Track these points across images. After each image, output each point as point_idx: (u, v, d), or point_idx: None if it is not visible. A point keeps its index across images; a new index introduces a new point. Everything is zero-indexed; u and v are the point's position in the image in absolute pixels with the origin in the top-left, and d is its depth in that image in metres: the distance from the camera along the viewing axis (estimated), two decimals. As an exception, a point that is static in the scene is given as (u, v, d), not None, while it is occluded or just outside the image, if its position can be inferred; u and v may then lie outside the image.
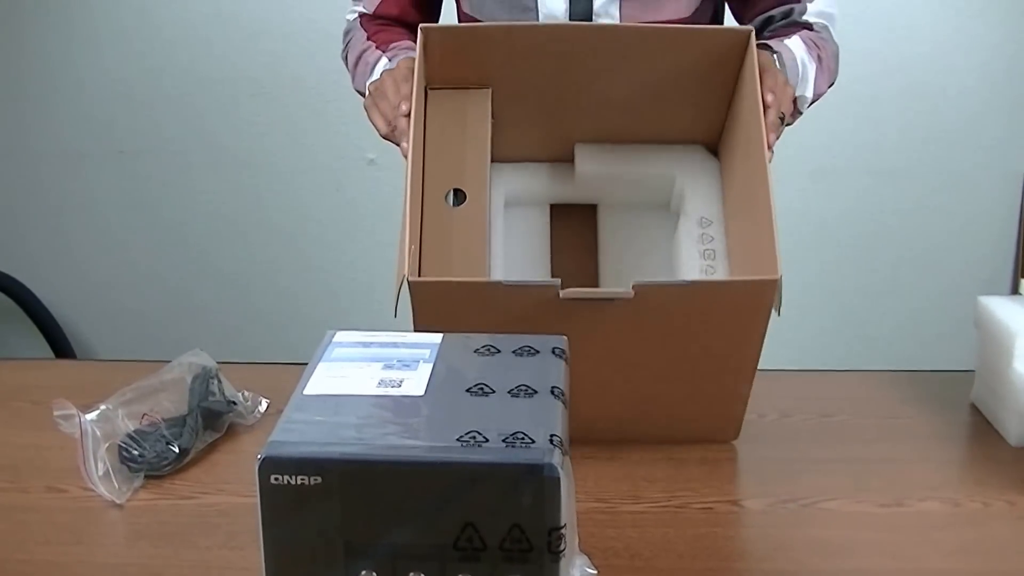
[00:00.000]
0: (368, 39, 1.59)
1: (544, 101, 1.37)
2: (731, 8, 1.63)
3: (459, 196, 1.30)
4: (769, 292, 1.14)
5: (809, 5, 1.57)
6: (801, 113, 1.49)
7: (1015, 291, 1.42)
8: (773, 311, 1.16)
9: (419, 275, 1.18)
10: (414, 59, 1.35)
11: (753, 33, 1.30)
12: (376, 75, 1.49)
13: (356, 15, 1.66)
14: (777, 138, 1.35)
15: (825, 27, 1.58)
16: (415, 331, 1.14)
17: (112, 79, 2.86)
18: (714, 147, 1.42)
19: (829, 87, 1.55)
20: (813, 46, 1.51)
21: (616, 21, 1.52)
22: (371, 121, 1.41)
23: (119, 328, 3.03)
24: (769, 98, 1.28)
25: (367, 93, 1.44)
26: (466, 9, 1.59)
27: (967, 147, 2.81)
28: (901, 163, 2.83)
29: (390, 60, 1.50)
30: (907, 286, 2.90)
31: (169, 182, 2.93)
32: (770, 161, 1.24)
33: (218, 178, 2.92)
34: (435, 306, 1.13)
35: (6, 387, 1.47)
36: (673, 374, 1.22)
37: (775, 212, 1.18)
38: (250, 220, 2.94)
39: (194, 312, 3.00)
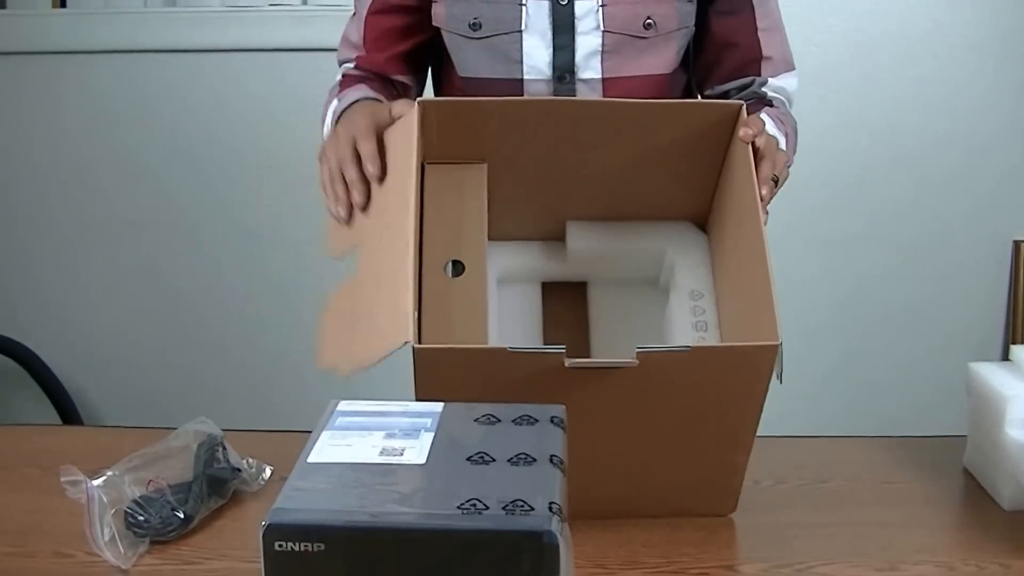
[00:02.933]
0: (338, 94, 1.59)
1: (538, 176, 1.38)
2: (690, 77, 1.68)
3: (457, 267, 1.30)
4: (769, 357, 1.15)
5: (771, 80, 1.64)
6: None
7: (1006, 357, 1.43)
8: (774, 377, 1.18)
9: (419, 342, 1.17)
10: (375, 118, 1.34)
11: (744, 107, 1.32)
12: (329, 118, 1.51)
13: (340, 76, 1.67)
14: (768, 201, 1.38)
15: (783, 102, 1.65)
16: (416, 399, 1.14)
17: (122, 149, 2.90)
18: (702, 223, 1.44)
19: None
20: (779, 122, 1.56)
21: (598, 75, 1.57)
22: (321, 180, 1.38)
23: (126, 395, 3.04)
24: (765, 191, 1.28)
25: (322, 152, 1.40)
26: (459, 71, 1.63)
27: (958, 213, 2.83)
28: (892, 230, 2.85)
29: (339, 101, 1.52)
30: (899, 352, 2.91)
31: (176, 252, 2.95)
32: (765, 223, 1.25)
33: (225, 248, 2.94)
34: (437, 373, 1.13)
35: (14, 452, 1.48)
36: (673, 443, 1.22)
37: (774, 281, 1.20)
38: (256, 290, 2.96)
39: (200, 380, 3.01)
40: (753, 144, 1.29)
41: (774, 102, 1.64)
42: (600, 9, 1.54)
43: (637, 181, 1.39)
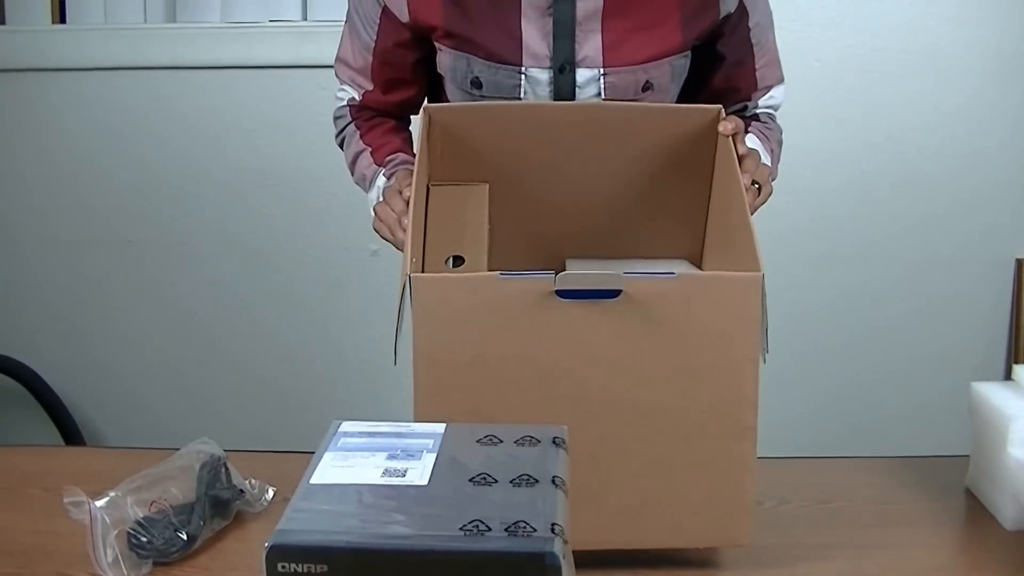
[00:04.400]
0: (362, 138, 1.66)
1: (537, 203, 1.40)
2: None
3: (458, 261, 1.32)
4: (754, 288, 1.15)
5: (760, 101, 1.66)
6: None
7: (1008, 377, 1.44)
8: (762, 358, 1.17)
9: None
10: (411, 171, 1.40)
11: (722, 110, 1.35)
12: (375, 192, 1.56)
13: (345, 103, 1.72)
14: (753, 205, 1.40)
15: (770, 116, 1.68)
16: (414, 332, 1.15)
17: (122, 167, 2.90)
18: (697, 261, 1.46)
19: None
20: (764, 139, 1.60)
21: None
22: (380, 235, 1.48)
23: (128, 416, 3.03)
24: (746, 179, 1.32)
25: (372, 212, 1.49)
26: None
27: (960, 232, 2.84)
28: (893, 248, 2.85)
29: (388, 179, 1.57)
30: (901, 372, 2.91)
31: (176, 271, 2.95)
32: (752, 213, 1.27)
33: (224, 267, 2.94)
34: (432, 305, 1.14)
35: (17, 473, 1.48)
36: (669, 411, 1.19)
37: (755, 231, 1.20)
38: (256, 309, 2.96)
39: (202, 400, 3.01)
40: (736, 151, 1.32)
41: (761, 116, 1.67)
42: (601, 78, 1.54)
43: (633, 209, 1.41)
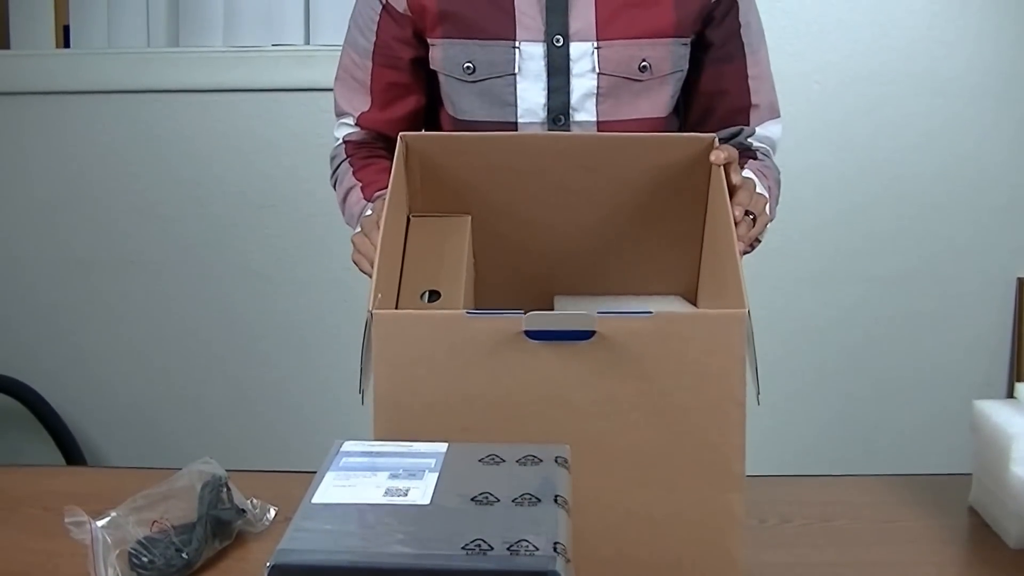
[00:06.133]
0: (355, 175, 1.65)
1: (523, 233, 1.37)
2: (682, 127, 1.69)
3: (434, 296, 1.28)
4: (738, 328, 1.07)
5: (758, 129, 1.66)
6: (760, 241, 1.51)
7: (1010, 395, 1.44)
8: (752, 400, 1.10)
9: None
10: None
11: (716, 138, 1.31)
12: (357, 227, 1.53)
13: (341, 141, 1.71)
14: (752, 244, 1.39)
15: (767, 153, 1.66)
16: (375, 372, 1.09)
17: (125, 189, 2.91)
18: (692, 297, 1.41)
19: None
20: (762, 176, 1.57)
21: (592, 116, 1.59)
22: (359, 268, 1.44)
23: (130, 435, 3.04)
24: (738, 212, 1.28)
25: (352, 244, 1.46)
26: (454, 113, 1.65)
27: (961, 251, 2.85)
28: (897, 269, 2.86)
29: (370, 210, 1.54)
30: (903, 391, 2.91)
31: (179, 291, 2.96)
32: (742, 256, 1.23)
33: (225, 288, 2.95)
34: (395, 343, 1.08)
35: (18, 493, 1.48)
36: (651, 456, 1.12)
37: (742, 265, 1.15)
38: (259, 329, 2.97)
39: (204, 420, 3.01)
40: (729, 181, 1.28)
41: (758, 153, 1.65)
42: (595, 51, 1.55)
43: (625, 243, 1.38)
